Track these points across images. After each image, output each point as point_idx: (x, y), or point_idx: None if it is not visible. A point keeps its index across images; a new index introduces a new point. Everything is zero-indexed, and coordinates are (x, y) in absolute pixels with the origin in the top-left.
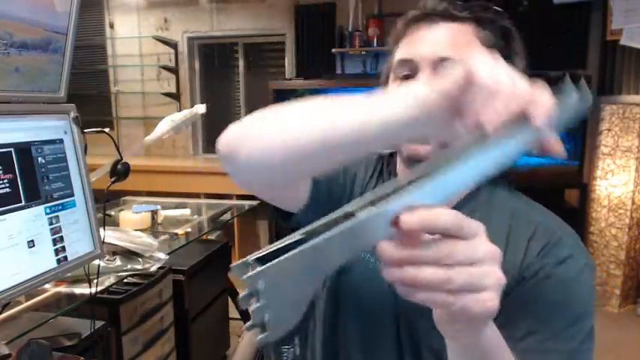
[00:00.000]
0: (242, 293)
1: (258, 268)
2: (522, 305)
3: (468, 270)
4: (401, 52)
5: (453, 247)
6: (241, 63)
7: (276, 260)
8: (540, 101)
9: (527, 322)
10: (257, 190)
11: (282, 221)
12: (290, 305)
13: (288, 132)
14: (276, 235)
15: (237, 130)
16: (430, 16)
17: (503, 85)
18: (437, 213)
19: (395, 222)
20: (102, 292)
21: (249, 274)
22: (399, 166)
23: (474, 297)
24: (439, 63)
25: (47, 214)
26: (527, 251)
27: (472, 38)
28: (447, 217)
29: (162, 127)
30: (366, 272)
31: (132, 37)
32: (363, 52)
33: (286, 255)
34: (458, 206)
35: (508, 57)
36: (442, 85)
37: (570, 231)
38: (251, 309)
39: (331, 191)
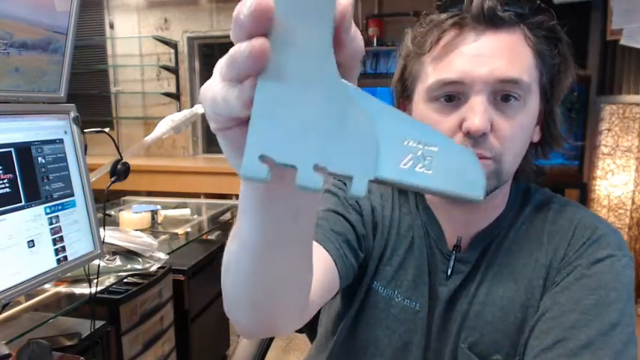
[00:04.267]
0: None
1: None
2: (552, 310)
3: None
4: (440, 70)
5: None
6: None
7: None
8: None
9: (557, 329)
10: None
11: None
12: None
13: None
14: None
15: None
16: (473, 22)
17: None
18: None
19: None
20: (102, 292)
21: None
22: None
23: None
24: (498, 85)
25: (47, 214)
26: (567, 251)
27: (524, 49)
28: None
29: (162, 127)
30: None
31: (132, 37)
32: None
33: None
34: (513, 221)
35: (557, 64)
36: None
37: (612, 228)
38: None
39: (360, 244)
